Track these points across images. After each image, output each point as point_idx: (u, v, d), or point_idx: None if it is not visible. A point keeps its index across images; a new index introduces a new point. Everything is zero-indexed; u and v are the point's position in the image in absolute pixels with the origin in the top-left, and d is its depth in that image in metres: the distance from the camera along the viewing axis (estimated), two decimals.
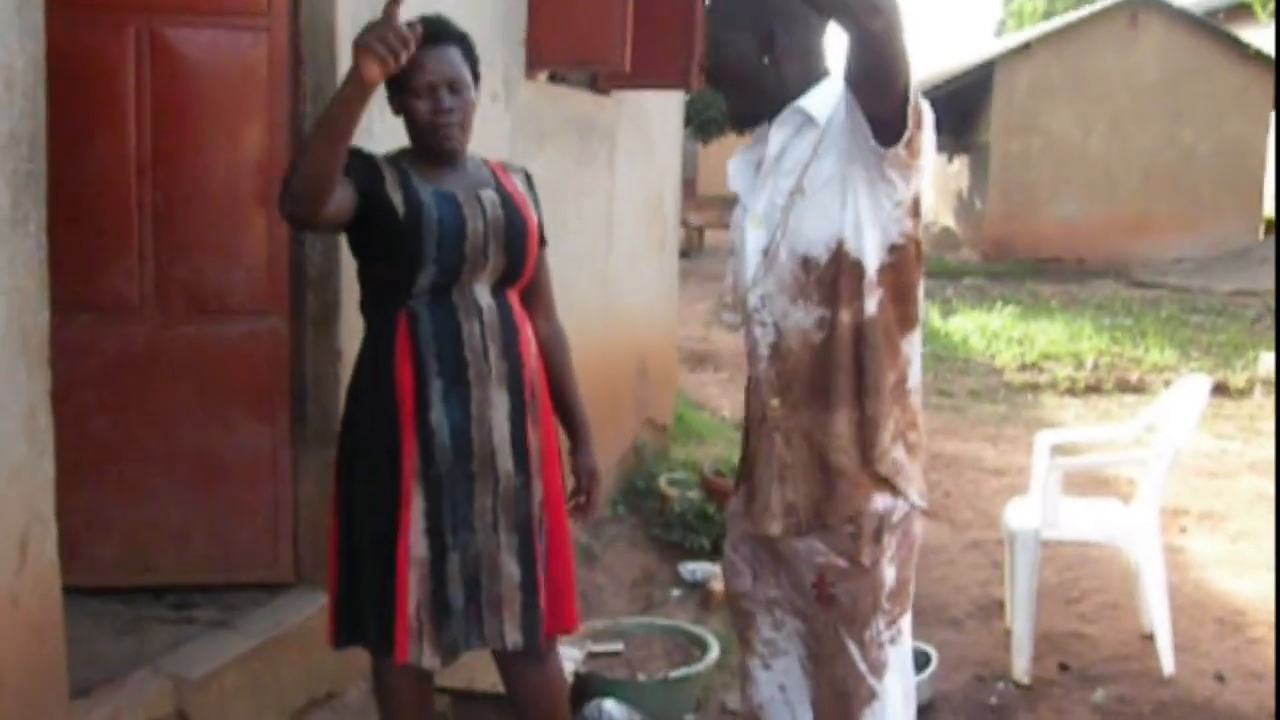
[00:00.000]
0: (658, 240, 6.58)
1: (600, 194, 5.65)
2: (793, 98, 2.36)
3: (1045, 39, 21.16)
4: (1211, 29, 21.23)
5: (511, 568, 2.77)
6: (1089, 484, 6.05)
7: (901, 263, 2.33)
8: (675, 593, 5.00)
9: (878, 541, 2.36)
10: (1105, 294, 16.31)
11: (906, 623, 2.48)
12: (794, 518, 2.41)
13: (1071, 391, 9.74)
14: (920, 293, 2.41)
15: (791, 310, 2.37)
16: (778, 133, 2.39)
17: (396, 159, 2.79)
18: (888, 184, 2.25)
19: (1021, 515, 4.43)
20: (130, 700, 2.98)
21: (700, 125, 20.71)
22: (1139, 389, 9.76)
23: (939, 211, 23.49)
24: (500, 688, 3.11)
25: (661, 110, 6.63)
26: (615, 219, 5.82)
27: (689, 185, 22.63)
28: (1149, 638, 4.48)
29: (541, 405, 2.88)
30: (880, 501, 2.36)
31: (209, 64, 3.52)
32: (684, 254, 12.14)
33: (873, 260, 2.30)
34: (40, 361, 2.52)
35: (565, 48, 4.76)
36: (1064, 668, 4.37)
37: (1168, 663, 4.28)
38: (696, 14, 5.53)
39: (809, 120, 2.35)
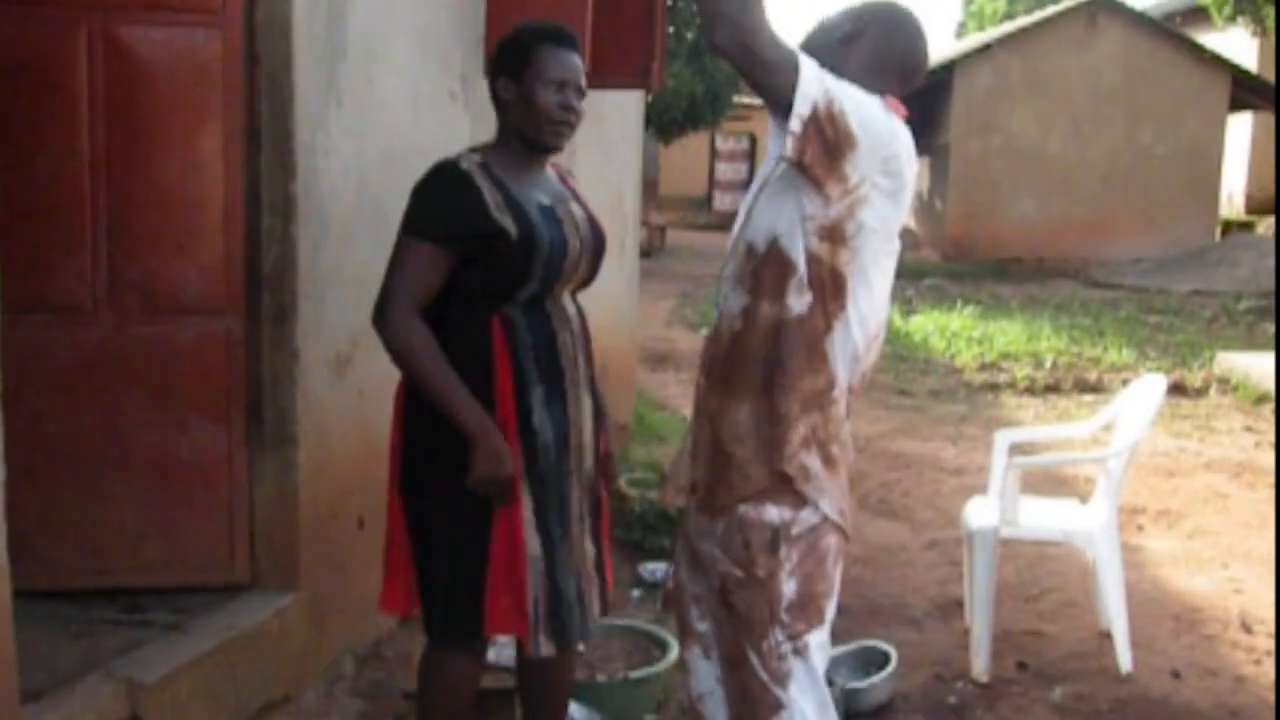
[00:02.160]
0: (617, 239, 6.55)
1: None
2: None
3: (1005, 40, 21.31)
4: (1169, 32, 21.43)
5: (588, 546, 2.97)
6: (1047, 482, 6.08)
7: (823, 271, 2.36)
8: (635, 593, 4.99)
9: (773, 553, 2.37)
10: (1064, 294, 16.43)
11: (816, 637, 2.45)
12: (695, 495, 2.51)
13: (1030, 391, 9.80)
14: (849, 298, 2.41)
15: (731, 295, 2.45)
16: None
17: (485, 164, 2.79)
18: (806, 195, 2.32)
19: (980, 514, 4.45)
20: (83, 705, 2.94)
21: (662, 126, 20.73)
22: (1097, 388, 9.83)
23: None
24: (504, 683, 3.43)
25: (620, 110, 6.62)
26: None
27: (650, 186, 22.63)
28: (1107, 635, 4.51)
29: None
30: (774, 513, 2.37)
31: (162, 62, 3.47)
32: (645, 254, 12.15)
33: (801, 260, 2.34)
34: None
35: None
36: (1022, 666, 4.39)
37: (1125, 660, 4.31)
38: (657, 14, 5.51)
39: None
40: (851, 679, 4.01)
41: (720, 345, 2.48)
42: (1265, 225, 21.49)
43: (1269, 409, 8.98)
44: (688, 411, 8.39)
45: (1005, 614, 4.61)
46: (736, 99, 22.52)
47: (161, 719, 3.11)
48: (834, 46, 2.44)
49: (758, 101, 22.37)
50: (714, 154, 29.58)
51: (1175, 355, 11.23)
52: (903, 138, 2.40)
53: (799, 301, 2.35)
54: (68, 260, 3.47)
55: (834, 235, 2.33)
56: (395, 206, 2.93)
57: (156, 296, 3.54)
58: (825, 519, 2.40)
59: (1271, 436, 8.16)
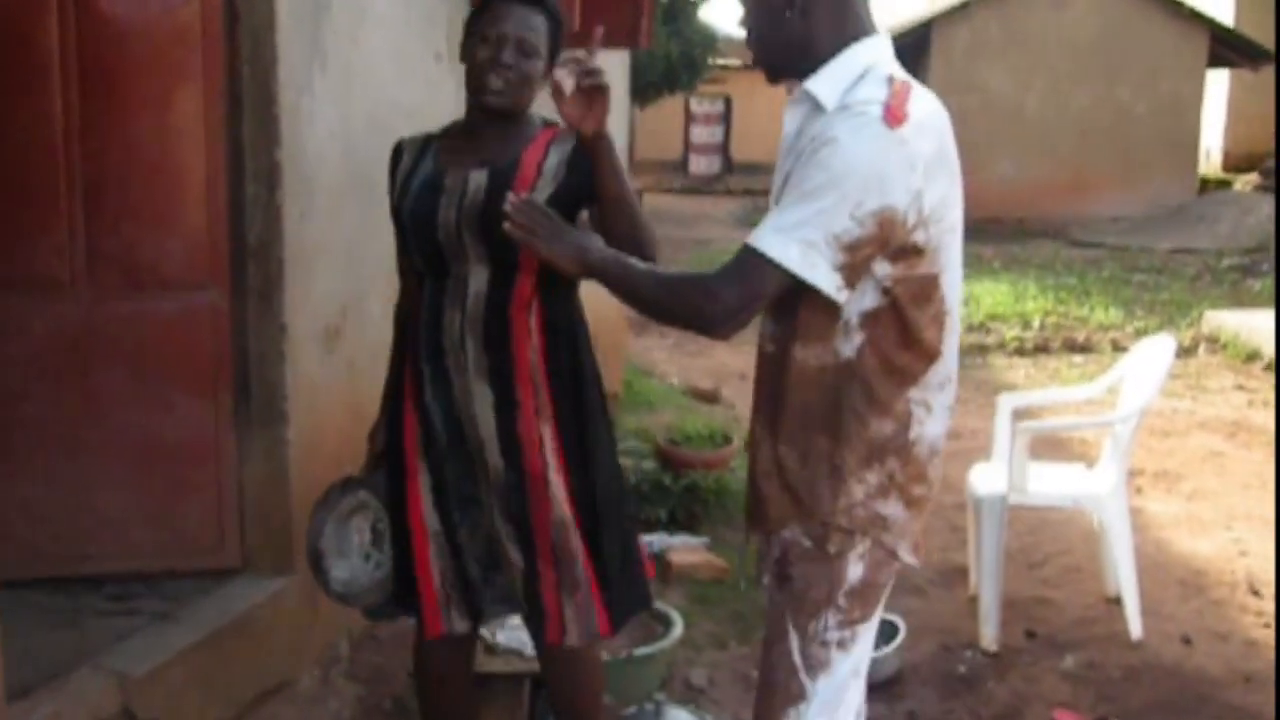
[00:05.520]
0: None
1: None
2: (822, 55, 2.16)
3: None
4: None
5: (514, 554, 2.75)
6: (1042, 445, 5.99)
7: (893, 308, 2.13)
8: None
9: (849, 533, 2.19)
10: (1046, 254, 16.34)
11: (865, 631, 2.29)
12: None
13: (1020, 352, 9.73)
14: (935, 336, 2.18)
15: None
16: (791, 113, 2.22)
17: (441, 133, 2.80)
18: None
19: (987, 480, 4.36)
20: (73, 700, 2.82)
21: (637, 90, 20.53)
22: (1086, 348, 9.77)
23: None
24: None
25: (607, 74, 6.47)
26: None
27: (627, 149, 22.48)
28: (1114, 601, 4.45)
29: (550, 401, 2.71)
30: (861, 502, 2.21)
31: (138, 24, 3.32)
32: None
33: (851, 303, 2.11)
34: None
35: None
36: (1031, 634, 4.32)
37: (1135, 627, 4.25)
38: None
39: (817, 105, 2.14)
40: None
41: (760, 363, 2.29)
42: (1243, 182, 21.46)
43: (1259, 367, 8.93)
44: (675, 379, 8.32)
45: (1010, 581, 4.52)
46: (712, 61, 22.36)
47: (154, 712, 2.99)
48: (784, 16, 2.18)
49: (733, 63, 21.97)
50: (689, 117, 29.34)
51: (1162, 314, 11.17)
52: (913, 138, 2.07)
53: (847, 345, 2.15)
54: (43, 234, 3.33)
55: (905, 250, 2.10)
56: (382, 173, 2.83)
57: (137, 270, 3.40)
58: (900, 562, 2.27)
59: (1264, 395, 8.11)
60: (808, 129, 2.14)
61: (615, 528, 2.80)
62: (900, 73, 2.17)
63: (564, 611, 2.74)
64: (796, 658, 2.24)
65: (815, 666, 2.24)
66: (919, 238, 2.09)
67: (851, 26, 2.19)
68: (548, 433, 2.70)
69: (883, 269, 2.09)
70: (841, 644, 2.24)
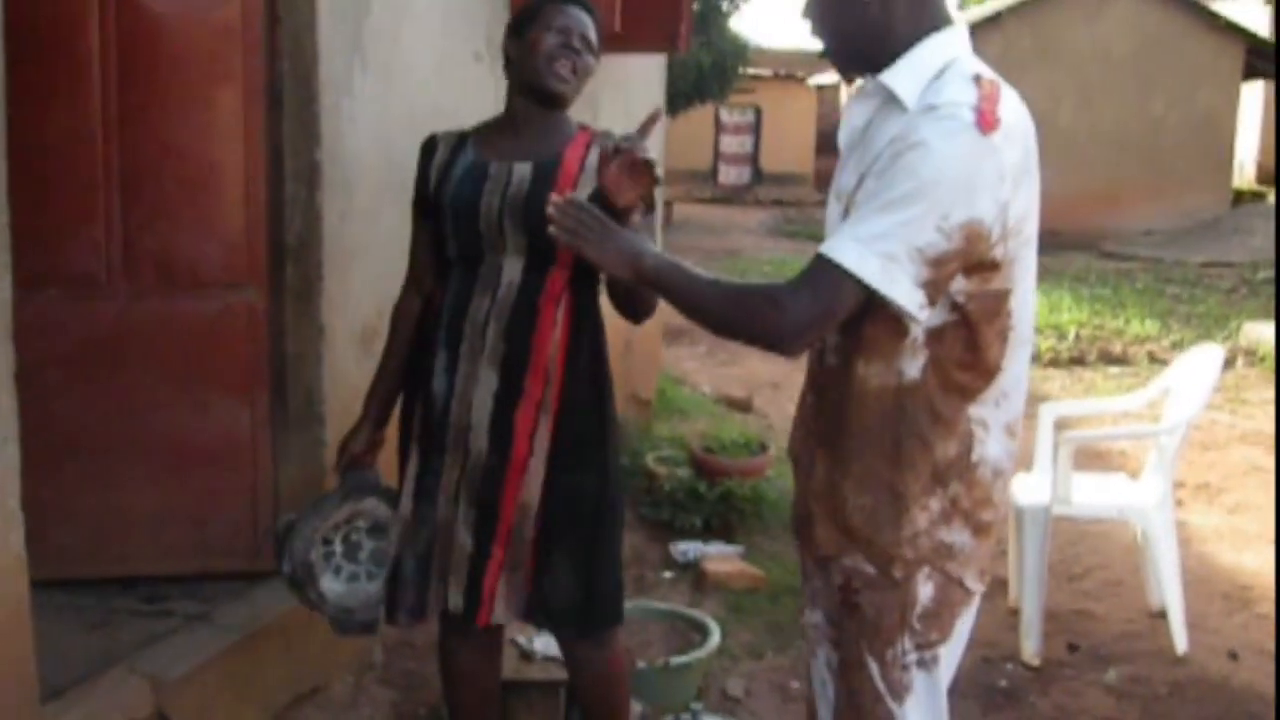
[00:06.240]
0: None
1: None
2: (898, 46, 2.02)
3: (1015, 10, 20.98)
4: (1181, 0, 21.17)
5: (464, 538, 2.71)
6: (1081, 456, 5.91)
7: (961, 325, 2.02)
8: (667, 574, 4.83)
9: (913, 554, 2.09)
10: (1079, 266, 16.23)
11: (948, 651, 2.17)
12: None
13: (1055, 363, 9.63)
14: (999, 352, 2.05)
15: None
16: (860, 105, 2.09)
17: (472, 130, 2.81)
18: None
19: (1029, 491, 4.29)
20: (106, 702, 2.79)
21: (669, 98, 20.53)
22: (1123, 360, 9.67)
23: None
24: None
25: (644, 79, 6.44)
26: None
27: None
28: (1157, 615, 4.38)
29: (557, 396, 2.68)
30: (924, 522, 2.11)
31: (178, 21, 3.31)
32: None
33: (921, 323, 1.99)
34: (1, 339, 2.31)
35: None
36: (1073, 648, 4.24)
37: (1181, 641, 4.17)
38: None
39: (893, 99, 2.00)
40: None
41: (818, 375, 2.20)
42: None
43: None
44: (707, 388, 8.25)
45: (1051, 593, 4.45)
46: (742, 71, 22.32)
47: (186, 714, 2.96)
48: (862, 2, 2.03)
49: (764, 73, 21.89)
50: (719, 127, 29.31)
51: (1198, 326, 11.05)
52: (1004, 145, 1.93)
53: (912, 365, 2.04)
54: (80, 231, 3.32)
55: (983, 264, 1.98)
56: None
57: (174, 269, 3.39)
58: (966, 590, 2.14)
59: None
60: (883, 127, 2.01)
61: (592, 535, 2.75)
62: (986, 70, 2.01)
63: (498, 588, 2.70)
64: (879, 684, 2.14)
65: (899, 691, 2.14)
66: (998, 252, 1.97)
67: (930, 16, 2.05)
68: (546, 424, 2.67)
69: (956, 284, 1.98)
70: (923, 664, 2.14)
